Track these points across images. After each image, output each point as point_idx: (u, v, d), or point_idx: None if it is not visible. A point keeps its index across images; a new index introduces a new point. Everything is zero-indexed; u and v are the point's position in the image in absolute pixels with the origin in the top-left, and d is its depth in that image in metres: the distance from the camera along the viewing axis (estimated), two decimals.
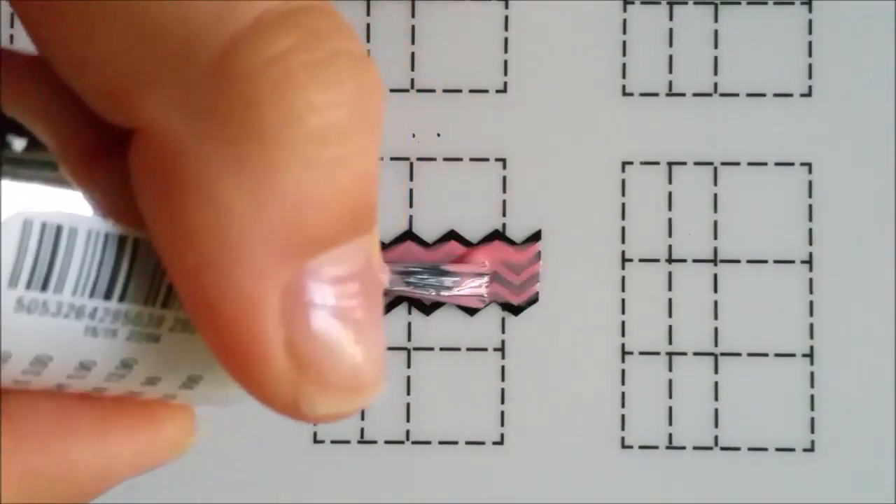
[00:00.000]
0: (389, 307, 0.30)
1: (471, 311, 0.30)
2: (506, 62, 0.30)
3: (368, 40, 0.30)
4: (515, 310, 0.30)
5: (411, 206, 0.30)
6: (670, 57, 0.30)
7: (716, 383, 0.30)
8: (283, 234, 0.15)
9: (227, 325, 0.15)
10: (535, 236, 0.30)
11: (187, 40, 0.14)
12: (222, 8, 0.15)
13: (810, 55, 0.30)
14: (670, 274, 0.30)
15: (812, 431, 0.30)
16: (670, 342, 0.30)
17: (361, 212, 0.16)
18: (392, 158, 0.30)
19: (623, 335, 0.30)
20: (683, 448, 0.30)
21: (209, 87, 0.15)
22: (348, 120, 0.15)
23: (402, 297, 0.30)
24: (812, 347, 0.30)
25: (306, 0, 0.15)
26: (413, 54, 0.30)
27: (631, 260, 0.30)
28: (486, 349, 0.30)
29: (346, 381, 0.16)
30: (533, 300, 0.30)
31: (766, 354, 0.30)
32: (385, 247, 0.30)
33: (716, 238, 0.30)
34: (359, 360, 0.16)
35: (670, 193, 0.30)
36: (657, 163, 0.30)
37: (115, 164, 0.16)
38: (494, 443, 0.30)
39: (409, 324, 0.30)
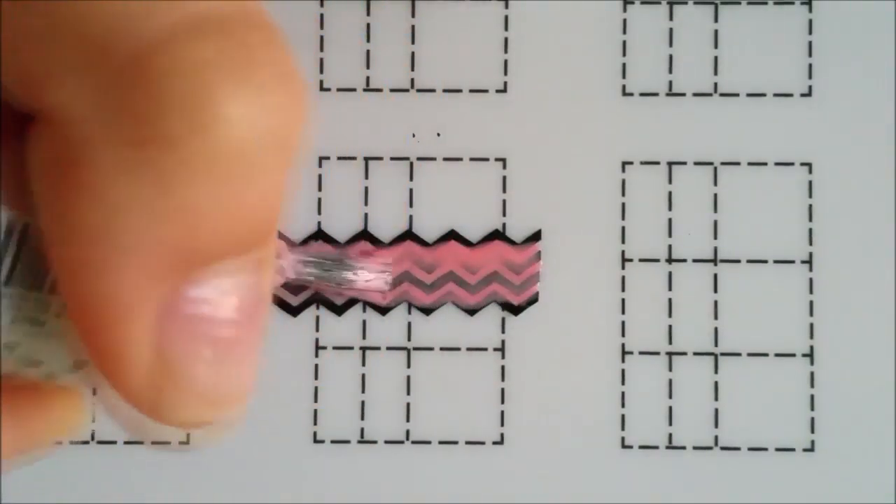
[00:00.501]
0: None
1: (471, 312, 0.30)
2: (506, 62, 0.30)
3: (368, 40, 0.30)
4: (515, 310, 0.30)
5: (411, 206, 0.30)
6: (670, 57, 0.30)
7: (716, 383, 0.30)
8: (172, 246, 0.15)
9: (98, 325, 0.15)
10: (535, 236, 0.30)
11: (107, 34, 0.14)
12: (147, 7, 0.14)
13: (810, 55, 0.30)
14: (670, 274, 0.30)
15: (812, 431, 0.30)
16: (670, 342, 0.30)
17: (261, 228, 0.16)
18: (392, 158, 0.30)
19: (623, 335, 0.30)
20: (683, 448, 0.30)
21: (121, 86, 0.14)
22: (261, 138, 0.15)
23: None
24: (812, 347, 0.30)
25: (239, 6, 0.15)
26: (413, 54, 0.30)
27: (631, 260, 0.30)
28: (486, 349, 0.30)
29: (209, 392, 0.16)
30: (533, 300, 0.30)
31: (766, 354, 0.30)
32: (385, 247, 0.30)
33: (716, 238, 0.30)
34: (226, 374, 0.16)
35: (670, 193, 0.30)
36: (657, 163, 0.30)
37: (9, 149, 0.15)
38: (494, 443, 0.30)
39: (409, 324, 0.30)
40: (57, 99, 0.14)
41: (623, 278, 0.30)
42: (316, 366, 0.30)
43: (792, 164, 0.30)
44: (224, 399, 0.16)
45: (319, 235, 0.30)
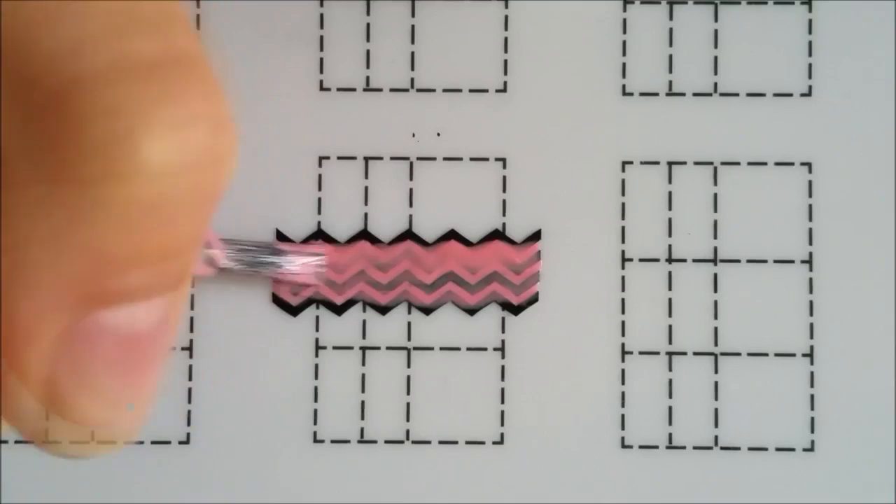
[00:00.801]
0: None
1: (471, 311, 0.30)
2: (506, 62, 0.30)
3: (368, 40, 0.30)
4: (515, 310, 0.30)
5: (411, 206, 0.30)
6: (670, 57, 0.30)
7: (716, 383, 0.30)
8: (73, 286, 0.14)
9: None
10: (535, 236, 0.30)
11: (36, 68, 0.14)
12: (77, 44, 0.14)
13: (810, 55, 0.30)
14: (670, 274, 0.30)
15: (812, 431, 0.30)
16: (670, 342, 0.30)
17: (171, 275, 0.15)
18: (392, 158, 0.30)
19: (623, 335, 0.30)
20: (683, 448, 0.30)
21: (44, 121, 0.14)
22: (182, 190, 0.14)
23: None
24: (812, 347, 0.30)
25: (173, 50, 0.14)
26: (413, 54, 0.30)
27: (631, 260, 0.30)
28: (486, 349, 0.30)
29: (99, 429, 0.16)
30: (533, 300, 0.30)
31: (766, 354, 0.30)
32: (384, 246, 0.30)
33: (716, 238, 0.30)
34: (115, 413, 0.16)
35: (670, 193, 0.30)
36: (657, 163, 0.30)
37: None
38: (494, 443, 0.30)
39: (409, 324, 0.30)
40: None
41: (623, 278, 0.30)
42: (316, 366, 0.30)
43: (792, 164, 0.30)
44: (113, 437, 0.17)
45: (319, 235, 0.30)
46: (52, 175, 0.14)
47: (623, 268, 0.30)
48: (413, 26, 0.30)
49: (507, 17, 0.30)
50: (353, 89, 0.30)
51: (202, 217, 0.15)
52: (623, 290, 0.30)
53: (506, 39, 0.30)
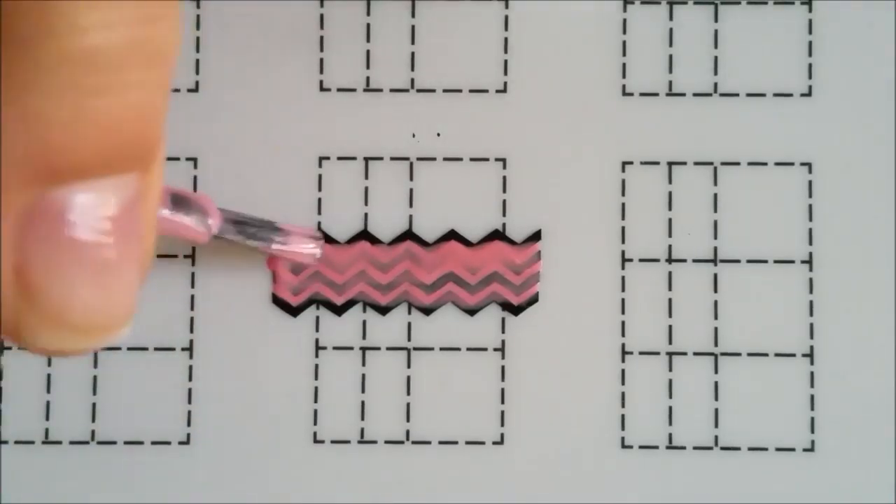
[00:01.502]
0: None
1: (471, 312, 0.30)
2: (506, 62, 0.30)
3: (368, 40, 0.30)
4: (515, 310, 0.30)
5: (411, 206, 0.30)
6: (670, 57, 0.30)
7: (716, 383, 0.30)
8: (26, 157, 0.14)
9: None
10: (535, 236, 0.30)
11: None
12: None
13: (810, 55, 0.30)
14: (670, 274, 0.30)
15: (812, 431, 0.30)
16: (670, 342, 0.30)
17: (131, 148, 0.15)
18: (392, 158, 0.30)
19: (623, 335, 0.30)
20: (683, 448, 0.30)
21: None
22: (120, 47, 0.14)
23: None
24: (812, 347, 0.30)
25: None
26: (413, 54, 0.30)
27: (631, 260, 0.30)
28: (486, 349, 0.30)
29: (76, 319, 0.15)
30: (533, 300, 0.30)
31: (766, 354, 0.30)
32: (385, 246, 0.30)
33: (716, 238, 0.30)
34: (94, 301, 0.15)
35: (670, 193, 0.30)
36: (657, 163, 0.30)
37: None
38: (494, 443, 0.30)
39: (409, 324, 0.30)
40: None
41: (623, 278, 0.30)
42: (316, 366, 0.30)
43: (792, 164, 0.30)
44: (94, 327, 0.16)
45: None
46: None
47: (623, 268, 0.30)
48: (413, 26, 0.30)
49: (507, 17, 0.30)
50: (353, 89, 0.30)
51: (151, 83, 0.15)
52: (623, 290, 0.30)
53: (506, 39, 0.30)
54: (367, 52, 0.30)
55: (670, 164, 0.30)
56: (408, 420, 0.30)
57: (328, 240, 0.30)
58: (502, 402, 0.30)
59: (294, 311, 0.30)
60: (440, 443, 0.30)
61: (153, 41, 0.15)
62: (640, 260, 0.30)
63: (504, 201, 0.30)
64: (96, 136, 0.15)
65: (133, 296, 0.16)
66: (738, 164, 0.30)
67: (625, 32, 0.30)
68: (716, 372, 0.30)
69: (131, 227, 0.16)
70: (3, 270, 0.15)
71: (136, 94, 0.15)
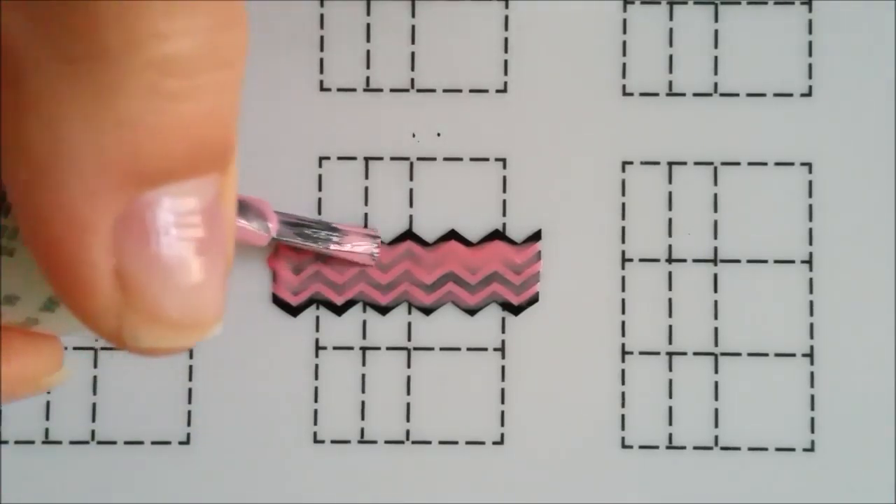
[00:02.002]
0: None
1: (471, 312, 0.30)
2: (506, 62, 0.30)
3: (368, 40, 0.30)
4: (515, 310, 0.30)
5: (411, 206, 0.30)
6: (670, 57, 0.30)
7: (716, 383, 0.30)
8: (118, 161, 0.15)
9: (53, 247, 0.15)
10: (535, 236, 0.30)
11: None
12: None
13: (810, 55, 0.30)
14: (670, 274, 0.30)
15: (812, 431, 0.30)
16: (670, 342, 0.30)
17: (211, 149, 0.16)
18: (392, 158, 0.30)
19: (623, 335, 0.30)
20: (683, 448, 0.30)
21: (56, 1, 0.14)
22: (198, 52, 0.15)
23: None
24: (812, 347, 0.30)
25: None
26: (413, 54, 0.30)
27: (631, 260, 0.30)
28: (486, 349, 0.30)
29: (174, 316, 0.16)
30: (533, 300, 0.30)
31: (766, 354, 0.30)
32: (385, 247, 0.30)
33: (716, 238, 0.30)
34: (190, 298, 0.16)
35: (670, 193, 0.30)
36: (657, 163, 0.30)
37: None
38: (494, 443, 0.30)
39: (409, 324, 0.30)
40: None
41: (623, 278, 0.30)
42: (316, 366, 0.30)
43: (792, 164, 0.30)
44: (191, 324, 0.16)
45: None
46: (73, 53, 0.14)
47: (623, 268, 0.30)
48: (413, 26, 0.30)
49: (507, 17, 0.30)
50: (353, 89, 0.30)
51: (227, 90, 0.16)
52: (623, 290, 0.30)
53: (506, 39, 0.30)
54: (367, 52, 0.30)
55: (670, 164, 0.30)
56: (408, 420, 0.30)
57: None
58: (502, 402, 0.30)
59: (294, 311, 0.30)
60: (440, 443, 0.30)
61: (227, 46, 0.15)
62: (640, 260, 0.30)
63: (504, 201, 0.30)
64: (180, 138, 0.15)
65: (223, 292, 0.17)
66: (738, 164, 0.30)
67: (625, 32, 0.30)
68: (716, 372, 0.30)
69: (216, 225, 0.16)
70: (103, 274, 0.15)
71: (215, 97, 0.15)
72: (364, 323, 0.30)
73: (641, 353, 0.30)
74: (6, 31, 0.14)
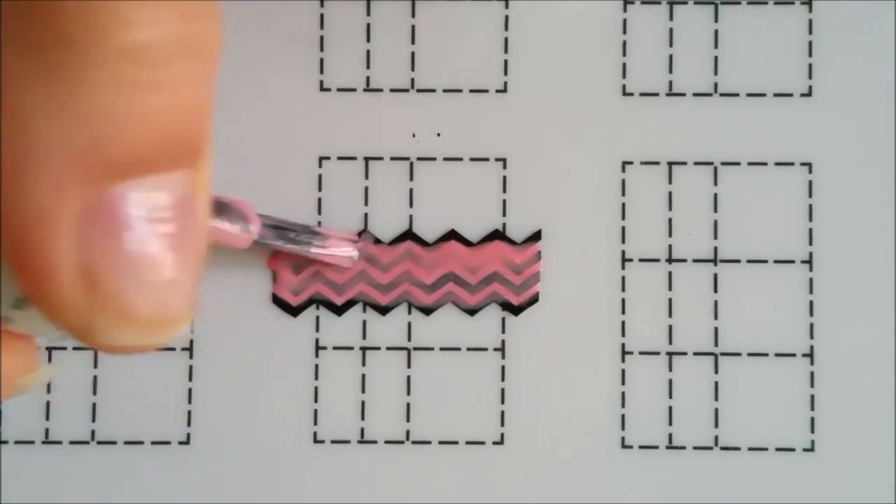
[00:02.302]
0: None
1: (471, 312, 0.30)
2: (506, 62, 0.30)
3: (368, 40, 0.30)
4: (515, 310, 0.30)
5: (411, 206, 0.30)
6: (670, 57, 0.30)
7: (716, 383, 0.30)
8: (84, 153, 0.15)
9: (17, 240, 0.15)
10: (535, 236, 0.30)
11: None
12: None
13: (810, 55, 0.30)
14: (670, 274, 0.30)
15: (812, 431, 0.30)
16: (670, 342, 0.30)
17: (182, 143, 0.16)
18: (392, 158, 0.30)
19: (623, 335, 0.30)
20: (683, 448, 0.30)
21: None
22: (166, 42, 0.15)
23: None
24: (812, 347, 0.30)
25: None
26: (413, 54, 0.30)
27: (631, 260, 0.30)
28: (486, 349, 0.30)
29: (142, 313, 0.16)
30: (533, 300, 0.30)
31: (766, 354, 0.30)
32: (385, 247, 0.30)
33: (716, 238, 0.30)
34: (159, 294, 0.16)
35: (670, 193, 0.30)
36: (657, 163, 0.30)
37: None
38: (494, 443, 0.30)
39: (409, 324, 0.30)
40: None
41: (623, 278, 0.30)
42: (316, 366, 0.30)
43: (792, 164, 0.30)
44: (161, 321, 0.16)
45: None
46: (39, 40, 0.14)
47: (623, 268, 0.30)
48: (413, 26, 0.30)
49: (507, 17, 0.30)
50: (353, 89, 0.30)
51: (199, 81, 0.15)
52: (623, 290, 0.30)
53: (506, 39, 0.30)
54: (367, 52, 0.30)
55: (670, 164, 0.30)
56: (408, 420, 0.30)
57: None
58: (502, 402, 0.30)
59: (294, 311, 0.30)
60: (440, 443, 0.30)
61: (197, 37, 0.15)
62: (640, 260, 0.30)
63: (504, 201, 0.30)
64: (149, 130, 0.15)
65: (193, 290, 0.16)
66: (738, 164, 0.30)
67: (625, 32, 0.30)
68: (716, 372, 0.30)
69: (187, 221, 0.16)
70: (67, 268, 0.15)
71: (185, 89, 0.15)
72: (364, 323, 0.30)
73: (641, 353, 0.30)
74: None
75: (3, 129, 0.15)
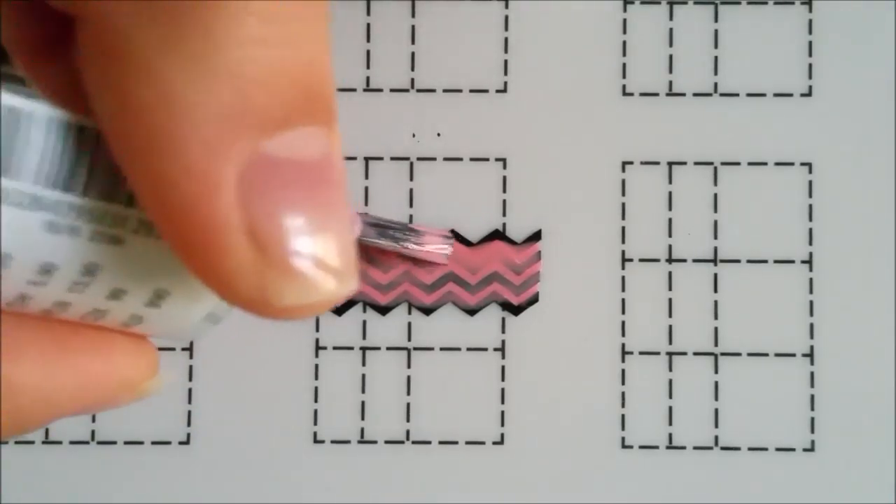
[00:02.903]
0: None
1: (471, 312, 0.30)
2: (506, 62, 0.30)
3: (368, 40, 0.30)
4: (515, 310, 0.30)
5: (411, 206, 0.30)
6: (670, 57, 0.30)
7: (716, 383, 0.30)
8: (231, 112, 0.15)
9: (182, 212, 0.15)
10: (535, 236, 0.30)
11: None
12: None
13: (810, 55, 0.30)
14: (670, 274, 0.30)
15: (812, 431, 0.30)
16: (670, 342, 0.30)
17: (314, 97, 0.16)
18: (392, 158, 0.30)
19: (623, 335, 0.30)
20: (683, 448, 0.30)
21: None
22: (292, 1, 0.15)
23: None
24: (812, 347, 0.30)
25: None
26: (413, 54, 0.30)
27: (631, 260, 0.30)
28: (486, 349, 0.30)
29: (314, 266, 0.16)
30: (533, 300, 0.30)
31: (766, 354, 0.30)
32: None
33: (716, 238, 0.30)
34: (327, 246, 0.16)
35: (670, 193, 0.30)
36: (657, 163, 0.30)
37: (68, 57, 0.16)
38: (494, 443, 0.30)
39: (409, 324, 0.30)
40: None
41: (623, 278, 0.30)
42: (316, 366, 0.30)
43: (792, 164, 0.30)
44: (332, 274, 0.16)
45: None
46: (174, 11, 0.14)
47: (623, 268, 0.30)
48: (413, 26, 0.30)
49: (507, 17, 0.30)
50: (353, 89, 0.30)
51: (320, 37, 0.16)
52: (623, 290, 0.30)
53: (506, 39, 0.30)
54: (367, 52, 0.30)
55: (670, 164, 0.30)
56: (408, 420, 0.30)
57: None
58: (502, 402, 0.30)
59: None
60: (440, 443, 0.30)
61: None
62: (640, 260, 0.30)
63: (504, 201, 0.30)
64: (286, 84, 0.15)
65: (352, 244, 0.16)
66: (738, 164, 0.30)
67: (625, 32, 0.30)
68: (716, 372, 0.30)
69: (336, 175, 0.16)
70: (236, 230, 0.15)
71: (308, 45, 0.16)
72: (364, 323, 0.30)
73: (641, 353, 0.30)
74: (103, 5, 0.14)
75: (150, 101, 0.15)
